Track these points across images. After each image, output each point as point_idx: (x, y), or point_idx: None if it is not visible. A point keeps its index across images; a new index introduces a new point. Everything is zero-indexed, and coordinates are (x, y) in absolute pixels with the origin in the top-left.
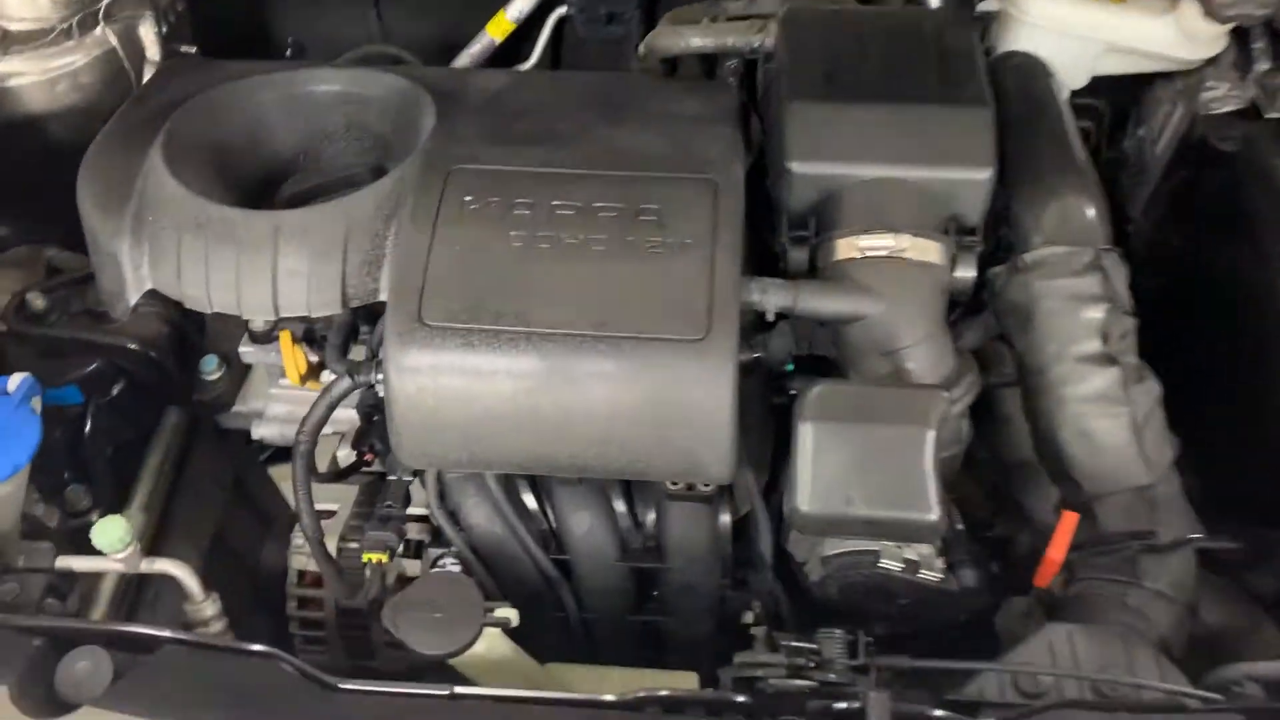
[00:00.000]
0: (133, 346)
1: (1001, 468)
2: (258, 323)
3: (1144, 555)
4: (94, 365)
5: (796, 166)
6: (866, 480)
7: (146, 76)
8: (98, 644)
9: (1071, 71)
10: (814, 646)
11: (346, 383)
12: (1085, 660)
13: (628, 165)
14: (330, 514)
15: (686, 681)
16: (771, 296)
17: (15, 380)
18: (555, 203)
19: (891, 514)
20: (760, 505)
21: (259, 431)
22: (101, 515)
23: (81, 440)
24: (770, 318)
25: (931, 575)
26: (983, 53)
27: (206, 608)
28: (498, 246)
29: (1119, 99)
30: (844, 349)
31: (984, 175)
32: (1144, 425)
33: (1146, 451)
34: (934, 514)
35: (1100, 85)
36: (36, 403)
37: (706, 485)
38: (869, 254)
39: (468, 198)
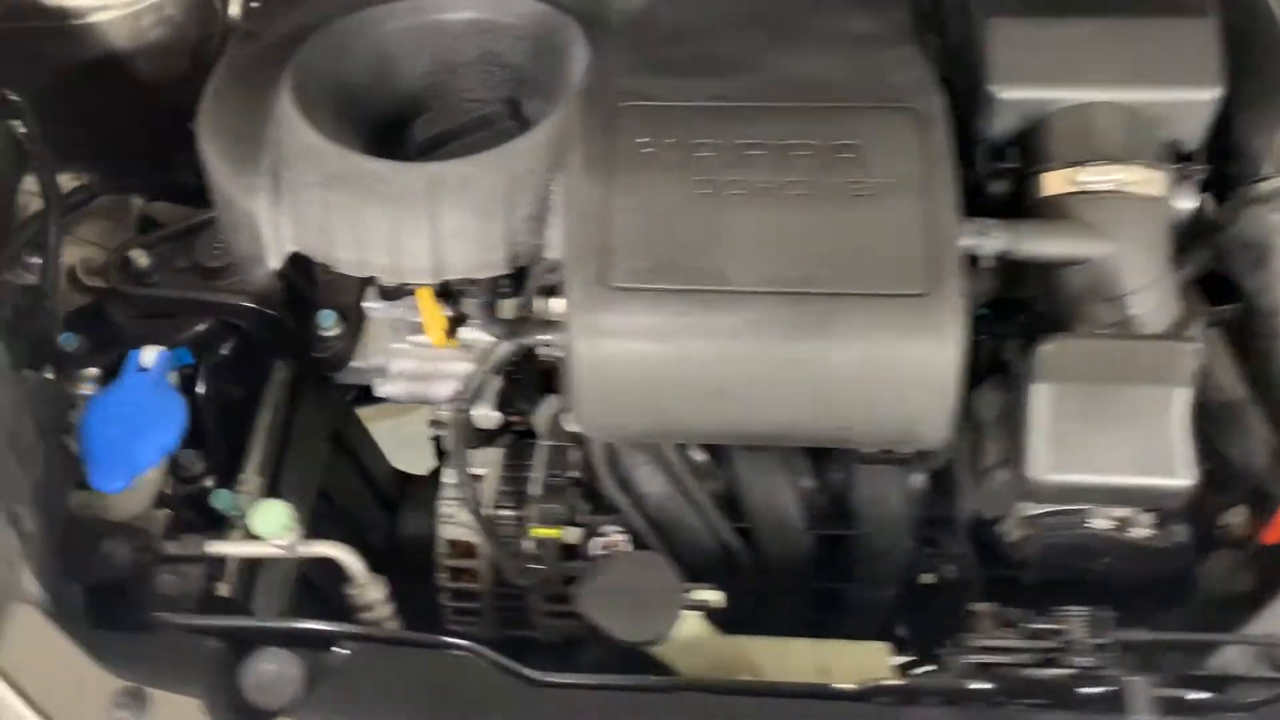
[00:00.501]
0: (248, 304)
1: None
2: (388, 280)
3: None
4: (205, 325)
5: (1001, 91)
6: (1111, 444)
7: (234, 8)
8: (276, 644)
9: None
10: (1055, 626)
11: (510, 345)
12: None
13: (811, 95)
14: (477, 478)
15: (879, 654)
16: (989, 240)
17: (150, 355)
18: (740, 142)
19: (1139, 480)
20: (965, 463)
21: (385, 389)
22: (216, 481)
23: (194, 404)
24: (987, 264)
25: (1142, 532)
26: None
27: (372, 591)
28: (683, 195)
29: None
30: (1060, 294)
31: (1211, 95)
32: None
33: None
34: (1188, 479)
35: None
36: (174, 376)
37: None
38: (1090, 188)
39: (642, 140)
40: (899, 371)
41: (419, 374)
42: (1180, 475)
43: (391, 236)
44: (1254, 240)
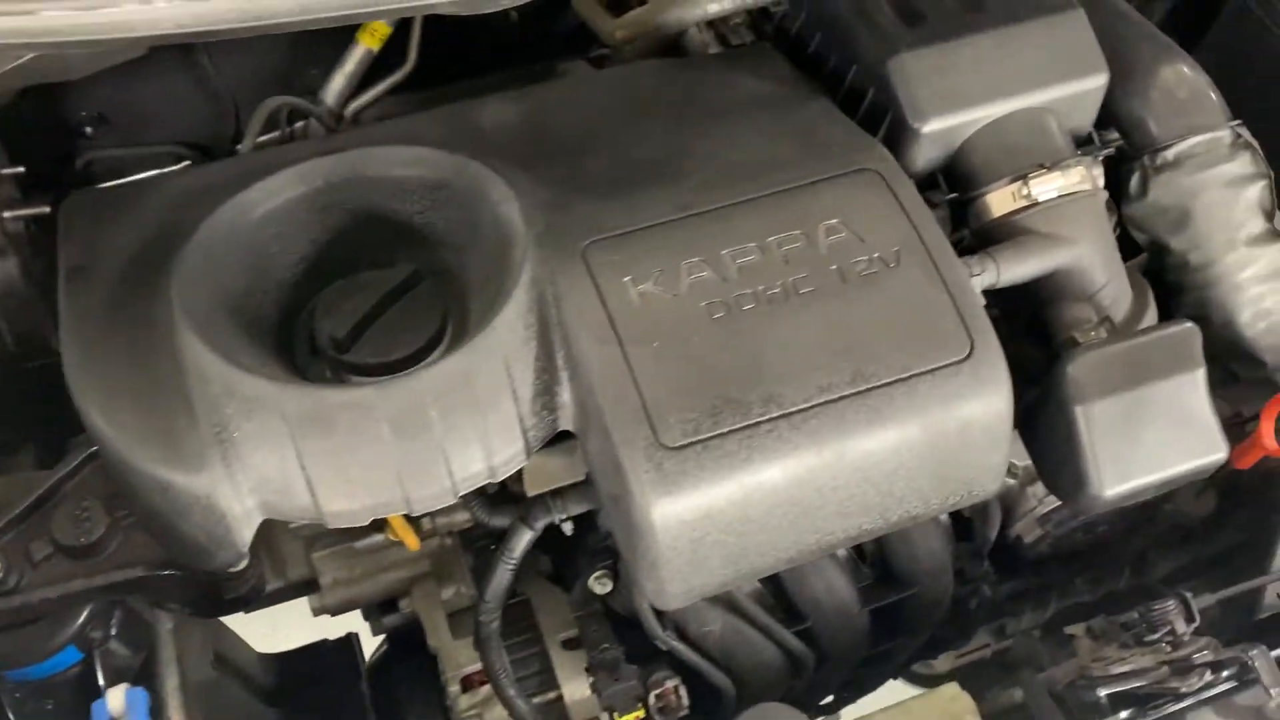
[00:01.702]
0: (143, 573)
1: None
2: None
3: None
4: (85, 614)
5: (926, 126)
6: (1154, 442)
7: None
8: None
9: None
10: (1141, 622)
11: (529, 533)
12: None
13: (761, 179)
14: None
15: (959, 701)
16: (980, 278)
17: (117, 699)
18: (726, 251)
19: (1185, 467)
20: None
21: (321, 603)
22: None
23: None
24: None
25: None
26: None
27: None
28: (697, 327)
29: None
30: (1041, 303)
31: (1102, 79)
32: None
33: None
34: (1224, 450)
35: None
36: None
37: None
38: (1041, 199)
39: (627, 278)
40: (961, 437)
41: (357, 577)
42: (1219, 449)
43: (401, 468)
44: (1171, 204)
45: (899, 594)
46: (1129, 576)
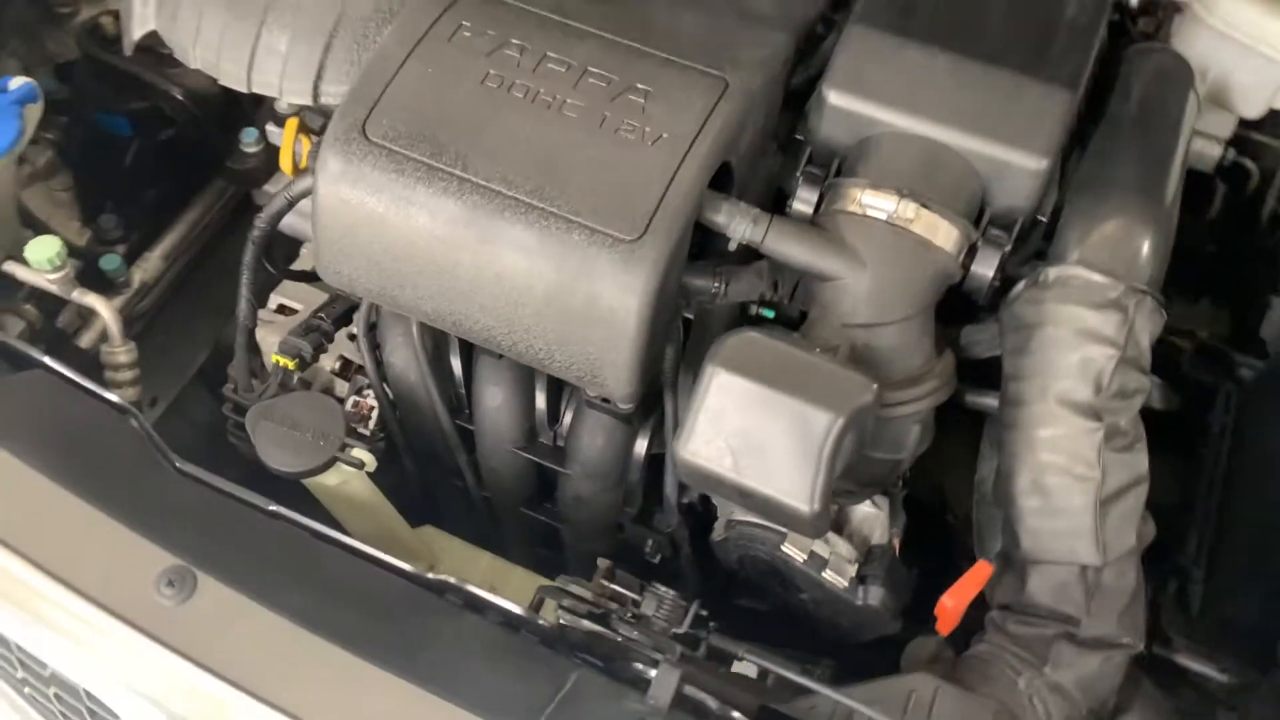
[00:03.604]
0: (177, 95)
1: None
2: (282, 104)
3: (1063, 641)
4: (145, 104)
5: (833, 96)
6: (756, 448)
7: None
8: None
9: (1248, 94)
10: (637, 597)
11: (308, 181)
12: None
13: (654, 40)
14: (293, 311)
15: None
16: (739, 223)
17: (16, 82)
18: (551, 54)
19: (768, 491)
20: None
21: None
22: (126, 251)
23: (123, 171)
24: (733, 247)
25: (836, 579)
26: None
27: (120, 354)
28: (469, 81)
29: None
30: (812, 307)
31: (1036, 164)
32: (1112, 501)
33: (1106, 531)
34: (810, 506)
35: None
36: (32, 110)
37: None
38: (869, 212)
39: (465, 23)
40: (590, 306)
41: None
42: (805, 501)
43: (220, 39)
44: (1024, 322)
45: (548, 463)
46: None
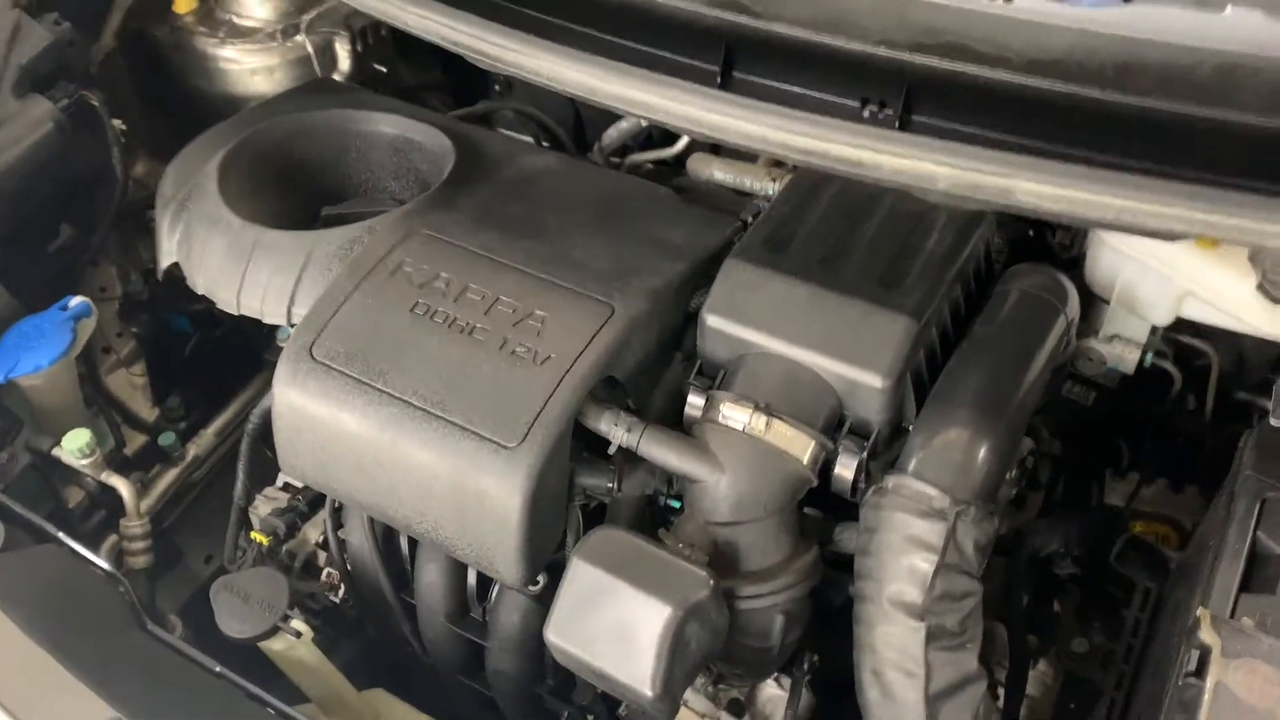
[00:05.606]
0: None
1: None
2: None
3: None
4: (200, 306)
5: (711, 319)
6: (609, 635)
7: None
8: None
9: (1154, 303)
10: None
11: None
12: None
13: (561, 272)
14: (296, 489)
15: None
16: (617, 430)
17: (75, 301)
18: (474, 287)
19: (617, 675)
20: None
21: None
22: (189, 424)
23: (184, 361)
24: (611, 451)
25: None
26: (978, 258)
27: (135, 527)
28: (402, 309)
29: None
30: (685, 505)
31: (881, 383)
32: (942, 697)
33: None
34: (650, 690)
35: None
36: (85, 324)
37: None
38: (728, 422)
39: (407, 259)
40: (479, 503)
41: None
42: (648, 686)
43: (218, 271)
44: (867, 526)
45: (471, 635)
46: None
